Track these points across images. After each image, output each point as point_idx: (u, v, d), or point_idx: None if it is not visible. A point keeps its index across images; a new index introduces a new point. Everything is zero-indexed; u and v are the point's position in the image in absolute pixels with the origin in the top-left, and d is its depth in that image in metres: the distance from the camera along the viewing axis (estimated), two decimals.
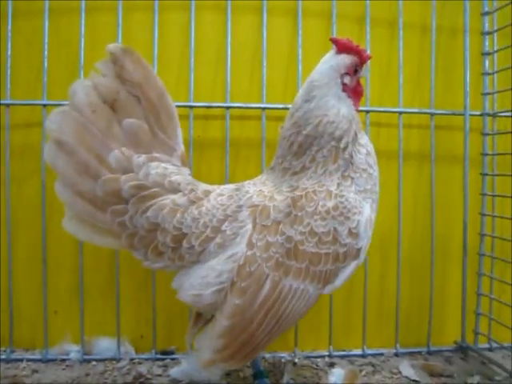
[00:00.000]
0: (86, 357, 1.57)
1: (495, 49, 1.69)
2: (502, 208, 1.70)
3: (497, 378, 1.52)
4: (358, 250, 1.16)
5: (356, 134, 1.21)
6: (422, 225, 1.73)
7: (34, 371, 1.50)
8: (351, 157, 1.19)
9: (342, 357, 1.66)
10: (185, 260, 1.16)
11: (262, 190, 1.20)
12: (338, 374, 1.49)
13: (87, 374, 1.48)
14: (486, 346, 1.71)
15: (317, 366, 1.58)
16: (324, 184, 1.16)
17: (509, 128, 1.68)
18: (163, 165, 1.19)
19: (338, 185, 1.17)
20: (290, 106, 1.59)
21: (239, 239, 1.13)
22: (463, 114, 1.68)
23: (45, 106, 1.53)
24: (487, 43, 1.70)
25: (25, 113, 1.59)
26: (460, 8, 1.69)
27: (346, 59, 1.21)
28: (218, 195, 1.20)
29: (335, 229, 1.13)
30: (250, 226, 1.14)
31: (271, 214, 1.14)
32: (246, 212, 1.16)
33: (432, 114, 1.68)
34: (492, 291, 1.68)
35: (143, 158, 1.18)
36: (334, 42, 1.23)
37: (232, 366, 1.22)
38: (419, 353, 1.70)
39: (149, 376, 1.49)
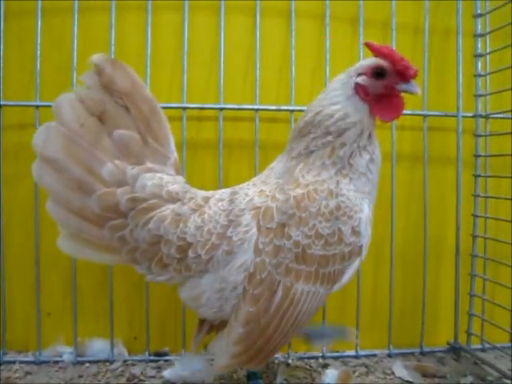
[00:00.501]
0: (79, 358, 1.57)
1: (488, 51, 1.69)
2: (495, 209, 1.71)
3: (489, 378, 1.52)
4: (361, 247, 1.16)
5: (359, 139, 1.17)
6: (414, 226, 1.74)
7: (27, 373, 1.49)
8: (350, 157, 1.17)
9: (336, 358, 1.66)
10: (192, 270, 1.13)
11: (263, 189, 1.18)
12: (331, 374, 1.50)
13: (80, 376, 1.48)
14: (479, 346, 1.72)
15: (310, 367, 1.58)
16: (324, 181, 1.15)
17: (501, 129, 1.70)
18: (158, 175, 1.16)
19: (338, 182, 1.15)
20: (283, 107, 1.62)
21: (246, 245, 1.11)
22: (456, 116, 1.69)
23: (37, 107, 1.53)
24: (480, 45, 1.70)
25: (17, 114, 1.58)
26: (453, 10, 1.70)
27: (368, 61, 1.20)
28: (218, 200, 1.17)
29: (339, 229, 1.12)
30: (254, 230, 1.11)
31: (275, 216, 1.11)
32: (249, 215, 1.13)
33: (425, 116, 1.69)
34: (484, 292, 1.69)
35: (137, 169, 1.14)
36: (367, 46, 1.22)
37: (250, 368, 1.24)
38: (412, 353, 1.71)
39: (142, 378, 1.49)
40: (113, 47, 1.54)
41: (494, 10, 1.65)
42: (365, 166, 1.19)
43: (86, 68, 1.55)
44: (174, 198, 1.16)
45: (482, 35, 1.69)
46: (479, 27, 1.70)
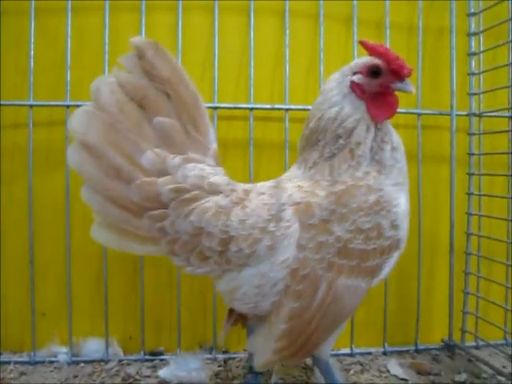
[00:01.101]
0: (74, 358, 1.56)
1: (481, 49, 1.70)
2: (489, 207, 1.72)
3: (483, 375, 1.53)
4: (399, 241, 1.16)
5: (368, 134, 1.16)
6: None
7: (22, 374, 1.49)
8: (372, 153, 1.17)
9: (331, 356, 1.66)
10: (232, 263, 1.11)
11: (300, 185, 1.16)
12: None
13: (75, 376, 1.48)
14: (473, 343, 1.72)
15: (305, 365, 1.58)
16: (362, 178, 1.14)
17: (495, 128, 1.71)
18: (200, 165, 1.13)
19: (375, 178, 1.15)
20: (277, 105, 1.62)
21: (288, 241, 1.09)
22: (450, 114, 1.69)
23: (31, 106, 1.53)
24: (473, 44, 1.71)
25: (11, 113, 1.58)
26: (446, 9, 1.70)
27: (363, 60, 1.19)
28: (259, 194, 1.15)
29: (379, 223, 1.12)
30: (296, 226, 1.10)
31: (316, 213, 1.10)
32: (290, 210, 1.11)
33: (419, 114, 1.69)
34: (479, 290, 1.70)
35: (178, 158, 1.11)
36: (361, 44, 1.22)
37: (293, 363, 1.26)
38: (407, 351, 1.71)
39: (137, 377, 1.49)
40: (107, 47, 1.54)
41: (488, 8, 1.65)
42: (389, 157, 1.18)
43: (80, 67, 1.57)
44: (215, 190, 1.13)
45: (475, 34, 1.70)
46: (473, 26, 1.71)
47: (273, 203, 1.12)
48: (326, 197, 1.12)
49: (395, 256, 1.17)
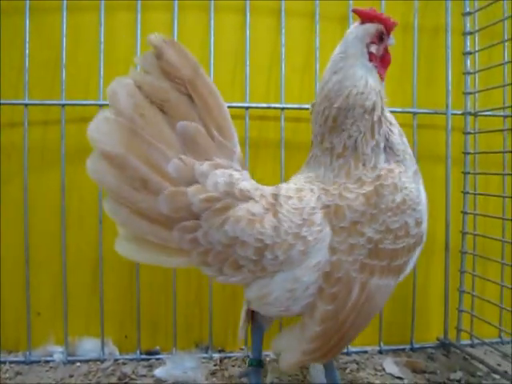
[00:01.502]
0: (70, 358, 1.56)
1: (476, 49, 1.70)
2: (484, 206, 1.72)
3: (478, 373, 1.54)
4: (422, 237, 1.17)
5: (383, 109, 1.17)
6: None
7: (18, 373, 1.49)
8: (387, 136, 1.16)
9: None
10: (266, 271, 1.07)
11: (324, 187, 1.13)
12: (322, 371, 1.50)
13: (71, 376, 1.48)
14: (468, 342, 1.73)
15: None
16: (386, 175, 1.13)
17: (490, 127, 1.71)
18: (228, 171, 1.07)
19: (399, 175, 1.13)
20: (273, 105, 1.62)
21: (320, 245, 1.07)
22: (445, 113, 1.70)
23: (26, 105, 1.52)
24: (468, 43, 1.71)
25: (7, 112, 1.57)
26: (442, 8, 1.70)
27: (371, 28, 1.17)
28: (287, 198, 1.10)
29: (406, 222, 1.11)
30: (328, 230, 1.08)
31: (347, 215, 1.09)
32: (320, 214, 1.09)
33: (414, 113, 1.69)
34: (474, 288, 1.70)
35: (206, 165, 1.05)
36: (357, 12, 1.20)
37: (320, 363, 1.25)
38: (402, 350, 1.72)
39: (133, 376, 1.48)
40: (102, 46, 1.54)
41: (483, 8, 1.66)
42: (400, 140, 1.19)
43: (76, 66, 1.57)
44: (245, 197, 1.07)
45: (470, 33, 1.70)
46: (468, 25, 1.71)
47: (303, 207, 1.09)
48: (355, 199, 1.10)
49: (418, 251, 1.18)
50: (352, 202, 1.09)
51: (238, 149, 1.12)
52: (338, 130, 1.15)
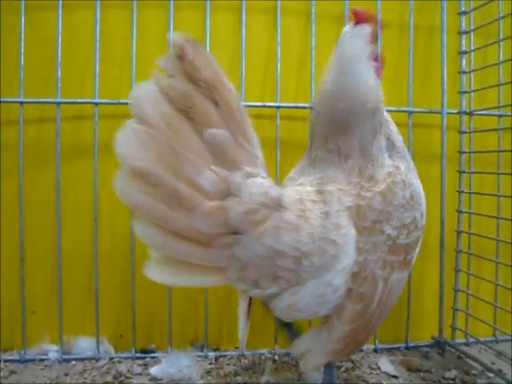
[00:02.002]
0: (65, 356, 1.56)
1: (472, 48, 1.70)
2: (479, 205, 1.73)
3: (473, 372, 1.54)
4: (423, 227, 1.20)
5: (383, 108, 1.19)
6: None
7: (12, 372, 1.48)
8: (388, 135, 1.19)
9: None
10: (301, 278, 1.04)
11: (341, 188, 1.12)
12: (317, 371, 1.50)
13: (66, 374, 1.47)
14: (463, 340, 1.73)
15: (296, 362, 1.58)
16: (394, 172, 1.15)
17: (485, 126, 1.72)
18: (258, 180, 1.01)
19: (404, 170, 1.17)
20: (268, 103, 1.62)
21: (348, 247, 1.06)
22: (440, 113, 1.70)
23: (21, 103, 1.52)
24: (464, 42, 1.72)
25: (2, 110, 1.56)
26: (437, 7, 1.70)
27: (367, 28, 1.18)
28: (312, 202, 1.08)
29: (415, 216, 1.14)
30: (353, 231, 1.07)
31: (368, 214, 1.09)
32: (345, 216, 1.08)
33: (410, 112, 1.70)
34: (469, 287, 1.71)
35: (238, 175, 0.97)
36: (356, 13, 1.20)
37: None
38: (398, 348, 1.72)
39: (128, 375, 1.48)
40: (98, 44, 1.53)
41: (478, 7, 1.66)
42: (398, 138, 1.22)
43: (71, 64, 1.56)
44: (277, 205, 1.02)
45: (466, 32, 1.71)
46: (463, 24, 1.71)
47: (329, 210, 1.07)
48: (373, 198, 1.10)
49: (420, 241, 1.21)
50: (371, 201, 1.10)
51: (261, 153, 1.05)
52: (342, 132, 1.15)
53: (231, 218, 0.96)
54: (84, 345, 1.59)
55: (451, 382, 1.49)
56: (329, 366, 1.26)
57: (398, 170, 1.16)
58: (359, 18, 1.19)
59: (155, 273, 1.00)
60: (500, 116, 1.69)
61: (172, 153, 0.93)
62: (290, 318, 1.16)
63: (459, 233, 1.72)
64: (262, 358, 1.60)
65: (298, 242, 1.01)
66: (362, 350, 1.69)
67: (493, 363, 1.57)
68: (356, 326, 1.08)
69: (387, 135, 1.19)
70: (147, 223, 0.96)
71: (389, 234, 1.10)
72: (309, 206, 1.07)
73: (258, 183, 1.00)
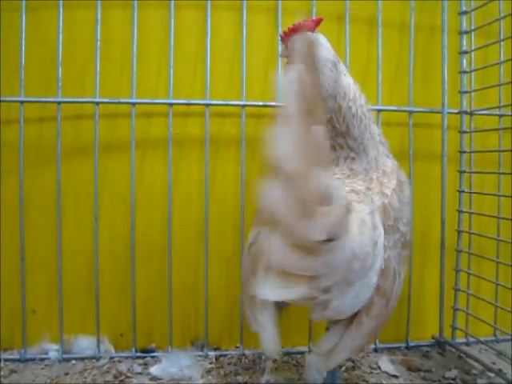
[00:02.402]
0: (66, 356, 1.56)
1: (472, 48, 1.70)
2: (479, 205, 1.72)
3: (473, 371, 1.54)
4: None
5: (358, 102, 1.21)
6: None
7: (12, 371, 1.48)
8: (378, 133, 1.24)
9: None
10: (352, 280, 1.00)
11: (368, 187, 1.13)
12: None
13: (66, 373, 1.47)
14: (464, 340, 1.73)
15: (297, 362, 1.59)
16: (397, 170, 1.21)
17: (485, 126, 1.72)
18: (337, 181, 1.00)
19: (399, 169, 1.22)
20: (269, 103, 1.62)
21: (381, 246, 1.05)
22: (441, 112, 1.70)
23: (22, 102, 1.52)
24: (465, 42, 1.72)
25: (2, 109, 1.56)
26: (438, 7, 1.70)
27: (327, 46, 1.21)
28: (357, 203, 1.04)
29: (410, 213, 1.20)
30: (382, 231, 1.06)
31: (391, 213, 1.10)
32: (378, 215, 1.07)
33: (410, 112, 1.70)
34: (469, 287, 1.70)
35: (328, 176, 0.89)
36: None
37: None
38: (398, 348, 1.72)
39: (129, 374, 1.48)
40: (98, 43, 1.53)
41: (479, 7, 1.66)
42: (377, 131, 1.25)
43: (72, 64, 1.56)
44: (351, 207, 0.96)
45: (466, 32, 1.71)
46: (464, 24, 1.71)
47: (371, 211, 1.06)
48: (391, 195, 1.13)
49: None
50: (391, 199, 1.12)
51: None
52: (339, 134, 1.19)
53: (334, 224, 0.87)
54: (84, 344, 1.59)
55: (451, 381, 1.49)
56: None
57: (398, 168, 1.22)
58: (311, 29, 1.21)
59: (275, 292, 0.92)
60: (500, 116, 1.68)
61: (314, 151, 0.83)
62: (327, 318, 1.11)
63: (460, 232, 1.72)
64: (263, 357, 1.59)
65: (366, 245, 0.99)
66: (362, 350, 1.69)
67: (493, 363, 1.57)
68: (379, 321, 1.09)
69: (378, 133, 1.24)
70: (276, 234, 0.88)
71: (402, 230, 1.13)
72: (358, 207, 1.04)
73: (339, 183, 1.02)
